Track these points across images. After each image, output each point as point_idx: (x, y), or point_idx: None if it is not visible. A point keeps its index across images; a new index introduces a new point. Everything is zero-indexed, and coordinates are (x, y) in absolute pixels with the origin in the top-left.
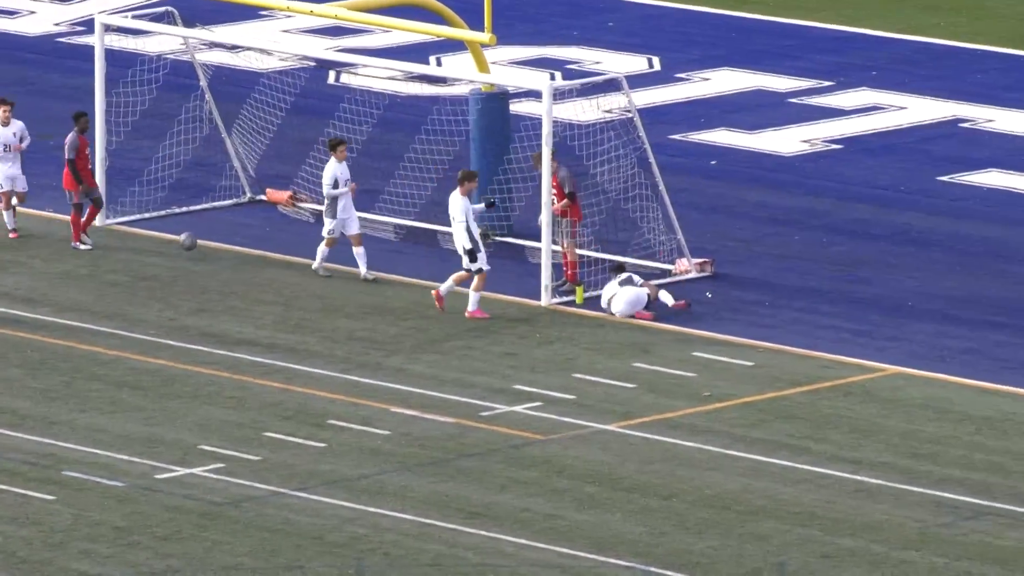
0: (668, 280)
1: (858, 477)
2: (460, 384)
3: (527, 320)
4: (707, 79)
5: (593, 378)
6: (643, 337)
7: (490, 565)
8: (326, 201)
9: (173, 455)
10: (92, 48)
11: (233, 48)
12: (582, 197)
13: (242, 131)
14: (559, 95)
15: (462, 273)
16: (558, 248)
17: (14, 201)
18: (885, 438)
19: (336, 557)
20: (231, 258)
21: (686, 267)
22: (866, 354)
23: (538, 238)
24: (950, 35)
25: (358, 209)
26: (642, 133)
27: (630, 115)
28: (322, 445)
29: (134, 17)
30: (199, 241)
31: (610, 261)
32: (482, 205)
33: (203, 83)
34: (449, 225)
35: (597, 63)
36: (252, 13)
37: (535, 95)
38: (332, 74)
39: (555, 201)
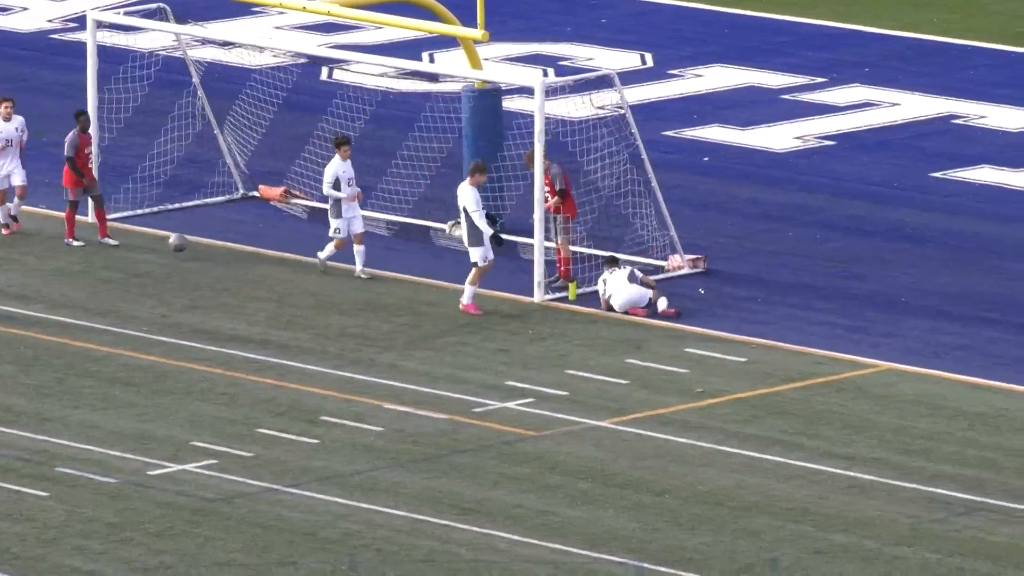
0: (661, 276)
1: (851, 473)
2: (453, 380)
3: (520, 316)
4: (700, 75)
5: (586, 374)
6: (636, 333)
7: (483, 561)
8: (330, 201)
9: (166, 451)
10: (84, 44)
11: (225, 44)
12: (576, 195)
13: (235, 127)
14: (552, 92)
15: (472, 274)
16: (551, 244)
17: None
18: (878, 434)
19: (329, 553)
20: (224, 254)
21: (679, 263)
22: (859, 350)
23: (531, 234)
24: (943, 31)
25: None
26: (635, 129)
27: (623, 111)
28: (315, 441)
29: (126, 13)
30: (190, 238)
31: (602, 257)
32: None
33: (195, 79)
34: (443, 221)
35: (590, 59)
36: (245, 9)
37: (528, 91)
38: (325, 70)
39: (548, 198)
